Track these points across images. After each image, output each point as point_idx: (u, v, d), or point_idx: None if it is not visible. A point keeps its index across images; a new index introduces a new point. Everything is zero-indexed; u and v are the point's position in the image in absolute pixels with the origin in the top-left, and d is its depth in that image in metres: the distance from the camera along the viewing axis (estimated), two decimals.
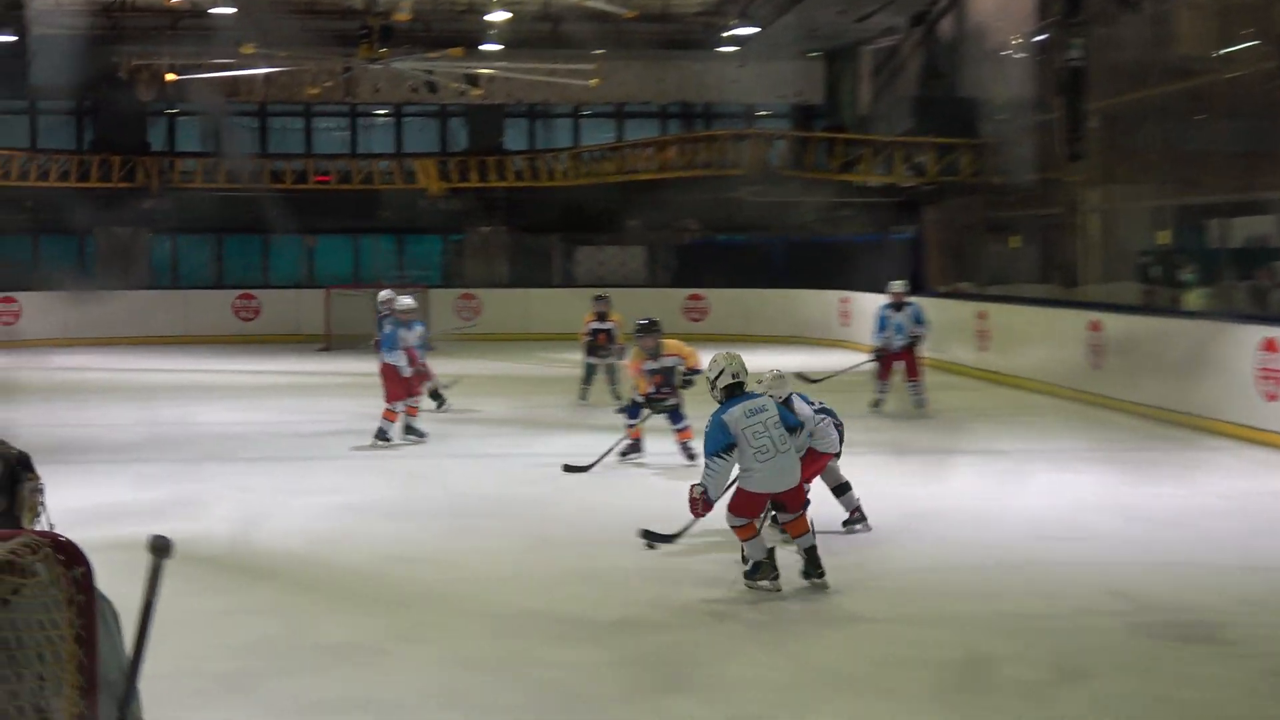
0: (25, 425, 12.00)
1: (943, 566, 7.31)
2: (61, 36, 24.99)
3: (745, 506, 6.70)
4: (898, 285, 13.74)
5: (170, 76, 24.90)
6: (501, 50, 24.83)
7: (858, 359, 15.47)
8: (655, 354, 10.29)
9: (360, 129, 29.85)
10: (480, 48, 24.71)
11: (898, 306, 13.61)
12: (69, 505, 7.79)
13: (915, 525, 8.22)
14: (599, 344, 14.18)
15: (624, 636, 6.19)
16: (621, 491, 9.68)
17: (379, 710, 5.28)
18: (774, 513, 7.29)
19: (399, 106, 29.20)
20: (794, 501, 6.85)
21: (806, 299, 24.42)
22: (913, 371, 13.47)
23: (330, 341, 22.03)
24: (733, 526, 6.74)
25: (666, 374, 10.38)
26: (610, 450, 10.13)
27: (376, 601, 6.67)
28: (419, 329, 12.90)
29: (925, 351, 14.03)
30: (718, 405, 6.86)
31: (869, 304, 18.23)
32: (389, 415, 11.62)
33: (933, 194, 24.72)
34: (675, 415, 10.54)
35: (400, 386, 11.84)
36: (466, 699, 5.41)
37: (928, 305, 14.86)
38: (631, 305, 24.74)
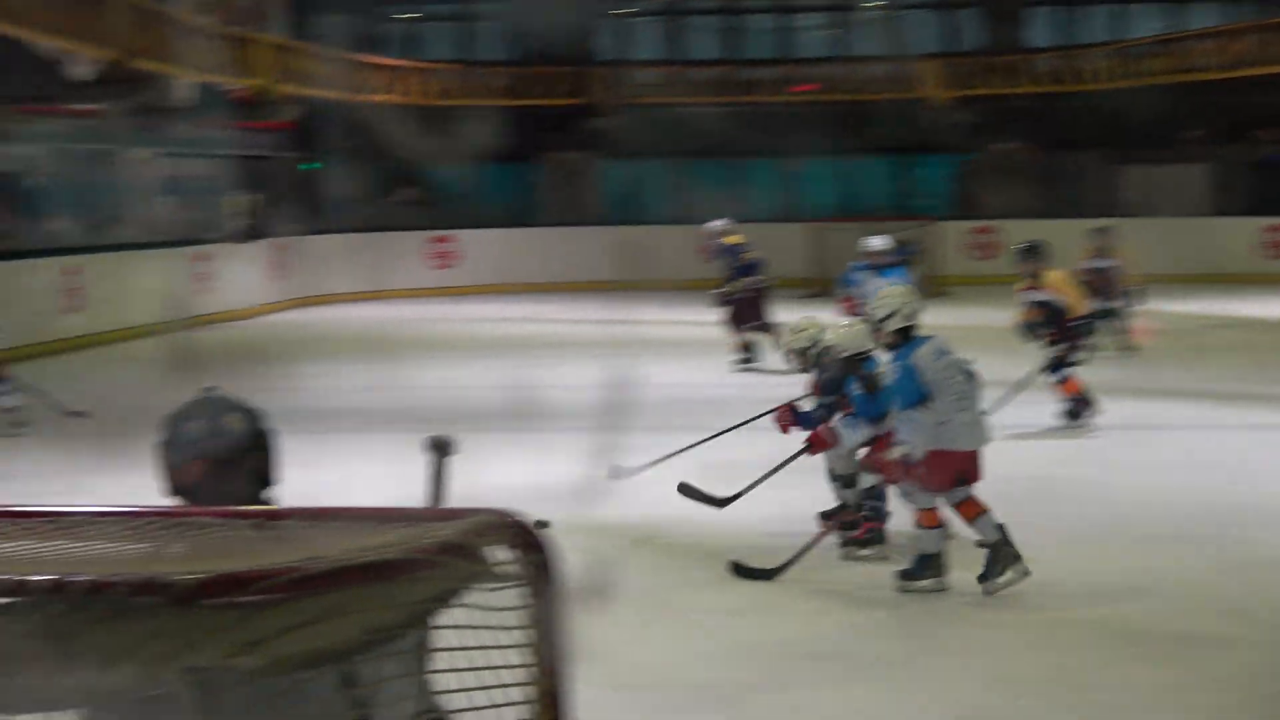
0: (453, 386, 14.77)
1: None
2: None
3: (942, 474, 7.34)
4: None
5: None
6: None
7: None
8: (1037, 283, 12.22)
9: (848, 26, 33.65)
10: None
11: None
12: (506, 481, 8.87)
13: None
14: (1098, 285, 15.50)
15: (1196, 654, 6.58)
16: (1178, 475, 10.53)
17: None
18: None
19: None
20: (976, 469, 7.50)
21: None
22: None
23: (820, 286, 24.69)
24: (921, 509, 7.46)
25: (1051, 310, 12.22)
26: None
27: (893, 606, 7.42)
28: (896, 275, 13.39)
29: None
30: (888, 350, 7.81)
31: None
32: None
33: None
34: (1056, 363, 12.26)
35: None
36: None
37: None
38: (1191, 240, 26.68)
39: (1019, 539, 7.48)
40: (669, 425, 12.32)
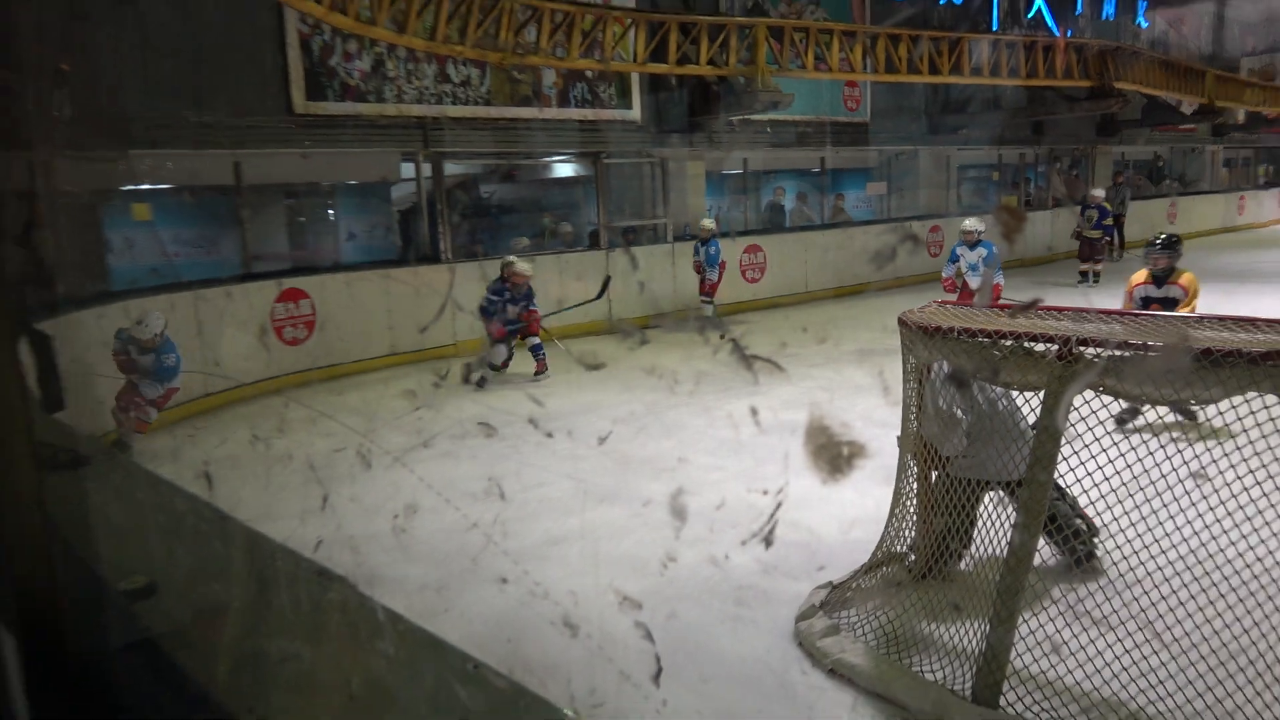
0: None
1: None
2: None
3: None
4: None
5: None
6: None
7: None
8: (1162, 279, 6.91)
9: None
10: None
11: None
12: None
13: None
14: None
15: None
16: None
17: None
18: None
19: None
20: None
21: None
22: None
23: None
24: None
25: (1166, 307, 6.80)
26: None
27: None
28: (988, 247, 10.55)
29: None
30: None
31: None
32: None
33: None
34: None
35: None
36: None
37: None
38: None
39: None
40: None
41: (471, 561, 4.17)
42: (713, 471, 5.18)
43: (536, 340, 9.45)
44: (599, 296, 9.65)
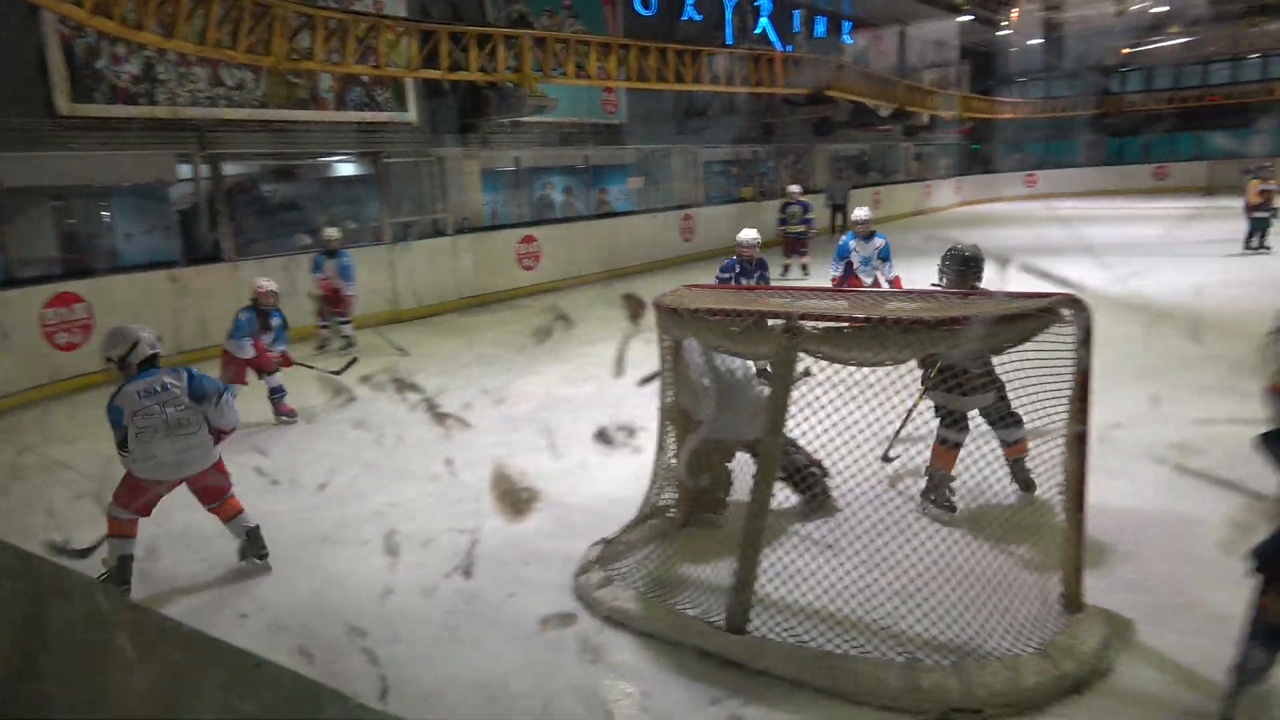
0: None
1: None
2: None
3: (127, 497, 4.32)
4: None
5: None
6: None
7: None
8: None
9: None
10: None
11: None
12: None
13: None
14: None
15: None
16: None
17: None
18: None
19: None
20: (208, 494, 4.49)
21: None
22: None
23: None
24: (113, 517, 4.27)
25: None
26: None
27: None
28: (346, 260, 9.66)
29: None
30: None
31: None
32: None
33: None
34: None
35: None
36: None
37: None
38: None
39: None
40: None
41: (212, 599, 4.23)
42: (421, 512, 5.17)
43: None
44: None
